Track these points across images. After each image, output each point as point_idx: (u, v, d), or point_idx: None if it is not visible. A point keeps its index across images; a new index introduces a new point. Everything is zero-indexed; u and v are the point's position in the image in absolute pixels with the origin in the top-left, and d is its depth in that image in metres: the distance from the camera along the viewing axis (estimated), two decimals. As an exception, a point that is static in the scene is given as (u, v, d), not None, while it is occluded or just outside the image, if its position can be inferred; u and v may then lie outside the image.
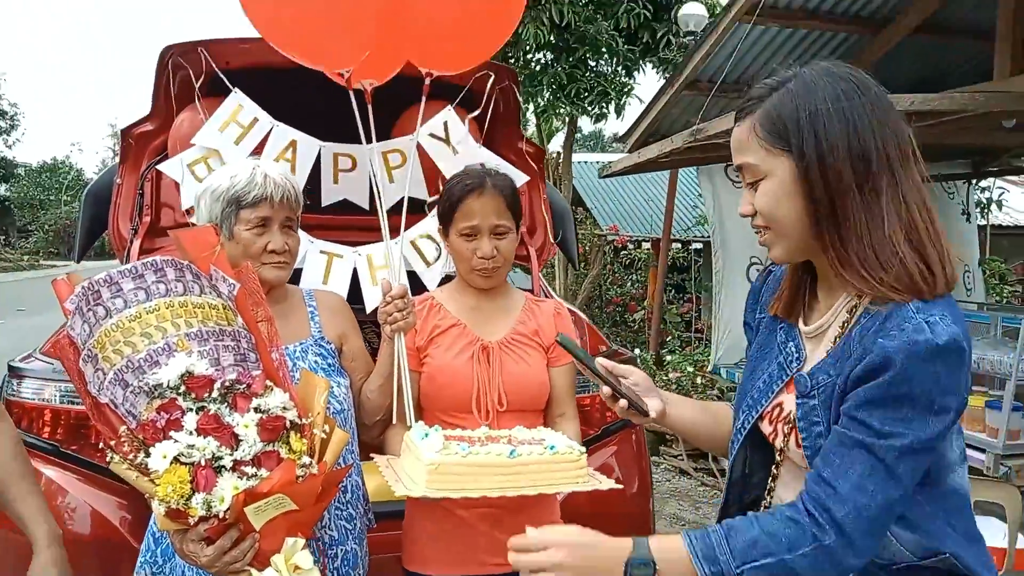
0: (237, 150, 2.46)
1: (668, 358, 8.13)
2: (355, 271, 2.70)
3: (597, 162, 15.51)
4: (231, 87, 2.48)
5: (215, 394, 1.69)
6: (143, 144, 2.81)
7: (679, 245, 11.97)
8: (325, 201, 2.60)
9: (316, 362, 1.94)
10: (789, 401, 1.30)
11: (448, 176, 2.44)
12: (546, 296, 3.57)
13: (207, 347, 1.78)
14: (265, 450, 1.67)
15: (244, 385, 1.74)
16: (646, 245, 12.38)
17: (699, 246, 11.84)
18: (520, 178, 2.79)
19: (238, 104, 2.47)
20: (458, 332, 2.04)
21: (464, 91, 2.66)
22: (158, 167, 2.58)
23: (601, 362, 1.50)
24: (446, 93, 2.62)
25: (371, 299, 2.68)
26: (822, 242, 1.22)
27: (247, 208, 1.87)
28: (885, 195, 1.17)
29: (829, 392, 1.22)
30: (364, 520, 2.02)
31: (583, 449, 1.71)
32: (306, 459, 1.67)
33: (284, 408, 1.73)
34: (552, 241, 3.26)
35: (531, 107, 10.61)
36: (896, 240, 1.17)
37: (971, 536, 1.26)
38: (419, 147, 2.52)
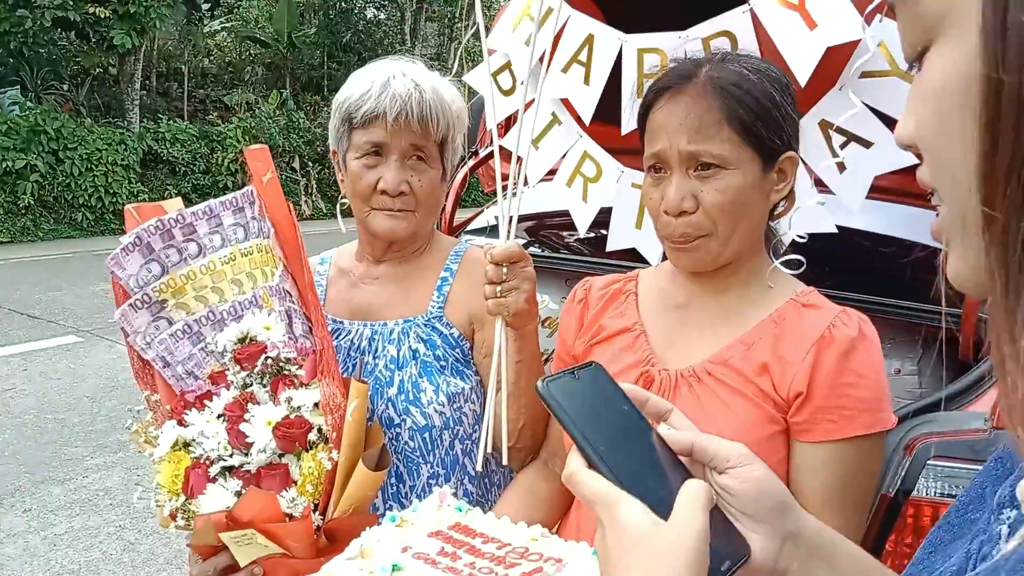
0: (525, 53, 1.90)
1: None
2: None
3: None
4: (524, -33, 1.90)
5: (258, 368, 1.28)
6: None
7: None
8: (627, 125, 1.83)
9: (417, 350, 1.34)
10: None
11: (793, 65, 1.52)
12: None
13: (284, 307, 1.37)
14: (272, 460, 1.21)
15: (296, 367, 1.29)
16: None
17: None
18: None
19: (532, -10, 1.89)
20: (623, 344, 1.20)
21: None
22: (465, 78, 2.16)
23: (664, 432, 0.68)
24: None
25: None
26: None
27: (358, 128, 1.35)
28: None
29: None
30: None
31: None
32: (294, 493, 1.15)
33: (315, 410, 1.23)
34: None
35: None
36: None
37: None
38: (756, 22, 1.58)
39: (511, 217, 1.22)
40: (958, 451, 1.19)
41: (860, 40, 1.49)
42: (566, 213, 2.30)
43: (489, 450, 1.20)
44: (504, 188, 1.24)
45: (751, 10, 1.60)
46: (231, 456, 1.23)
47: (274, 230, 1.32)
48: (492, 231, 2.68)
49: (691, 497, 0.59)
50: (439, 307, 1.40)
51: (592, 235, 2.29)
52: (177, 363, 1.39)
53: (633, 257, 2.04)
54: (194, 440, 1.26)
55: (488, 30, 2.45)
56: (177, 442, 1.27)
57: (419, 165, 1.36)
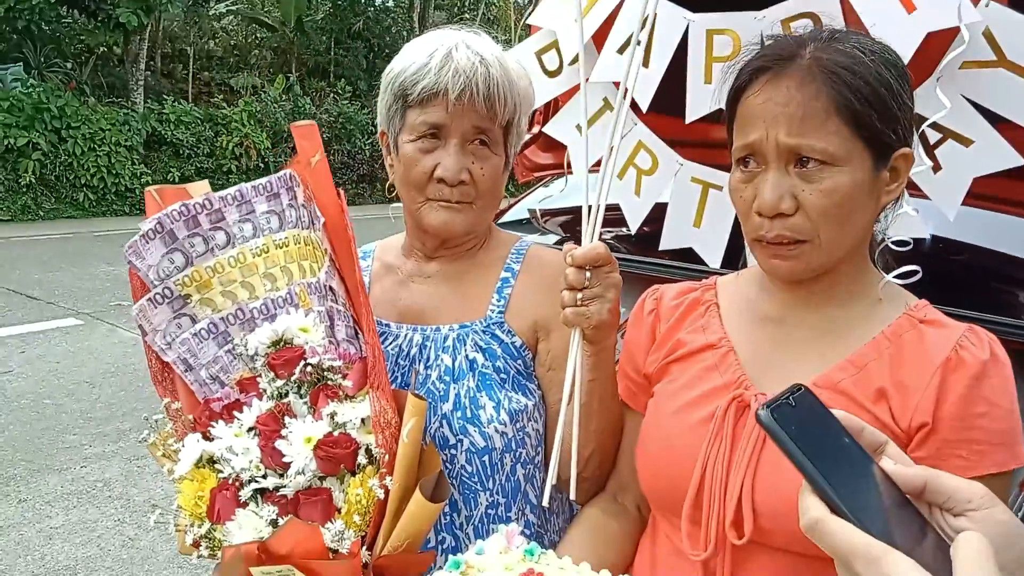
0: (575, 29, 1.73)
1: None
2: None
3: None
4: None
5: (296, 376, 1.13)
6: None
7: None
8: (692, 113, 1.67)
9: (475, 360, 1.19)
10: None
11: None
12: None
13: (324, 307, 1.21)
14: (313, 484, 1.05)
15: (340, 376, 1.13)
16: None
17: None
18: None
19: (590, -37, 1.72)
20: (709, 362, 1.05)
21: None
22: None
23: (891, 468, 0.60)
24: None
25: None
26: None
27: (414, 107, 1.19)
28: None
29: None
30: None
31: None
32: (340, 525, 0.99)
33: (363, 427, 1.07)
34: None
35: None
36: None
37: None
38: (844, 2, 1.43)
39: (597, 214, 1.06)
40: None
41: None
42: (608, 208, 2.15)
43: (553, 481, 1.05)
44: (592, 178, 1.09)
45: (842, -12, 1.45)
46: (265, 477, 1.08)
47: (324, 220, 1.16)
48: (527, 224, 2.52)
49: (978, 554, 0.52)
50: (499, 312, 1.23)
51: (635, 232, 2.15)
52: (201, 367, 1.24)
53: (688, 257, 1.89)
54: (222, 457, 1.11)
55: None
56: (201, 458, 1.12)
57: (481, 151, 1.20)
